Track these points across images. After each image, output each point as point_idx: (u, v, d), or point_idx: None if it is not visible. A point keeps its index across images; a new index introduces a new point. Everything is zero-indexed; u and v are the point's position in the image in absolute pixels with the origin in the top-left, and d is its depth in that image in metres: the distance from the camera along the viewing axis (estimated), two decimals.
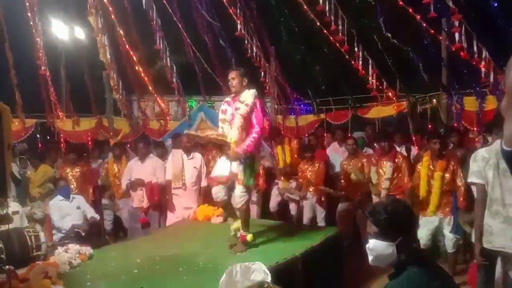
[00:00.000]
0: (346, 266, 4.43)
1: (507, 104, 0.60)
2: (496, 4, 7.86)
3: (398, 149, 6.07)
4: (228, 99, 4.03)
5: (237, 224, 4.05)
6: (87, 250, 3.86)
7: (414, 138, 7.15)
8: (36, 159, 6.94)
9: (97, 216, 5.54)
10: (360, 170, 5.64)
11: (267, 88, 9.73)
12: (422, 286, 1.70)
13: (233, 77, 3.89)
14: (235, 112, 3.83)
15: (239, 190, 3.86)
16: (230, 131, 3.85)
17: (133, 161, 6.25)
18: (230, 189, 4.04)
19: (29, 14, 8.34)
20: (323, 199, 6.03)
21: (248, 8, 9.50)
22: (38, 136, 9.37)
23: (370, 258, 1.86)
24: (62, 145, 8.84)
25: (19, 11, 8.54)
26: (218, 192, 4.03)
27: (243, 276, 2.86)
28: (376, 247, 1.82)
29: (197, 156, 5.74)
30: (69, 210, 5.28)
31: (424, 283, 1.69)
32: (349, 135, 7.13)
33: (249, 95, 3.85)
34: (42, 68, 8.62)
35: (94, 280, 3.33)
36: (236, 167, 3.84)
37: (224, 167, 3.93)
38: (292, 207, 6.32)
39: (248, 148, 3.74)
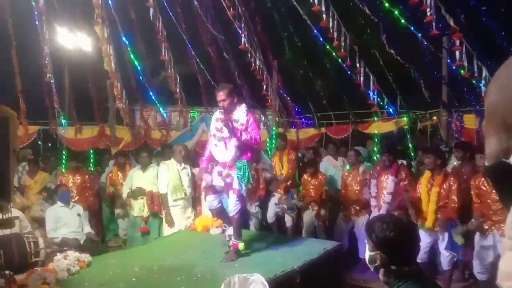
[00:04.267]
0: (345, 280, 4.43)
1: (486, 123, 0.65)
2: (496, 25, 7.98)
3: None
4: (219, 115, 4.00)
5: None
6: (86, 257, 3.87)
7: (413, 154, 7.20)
8: (34, 166, 6.93)
9: (93, 232, 5.48)
10: (360, 183, 5.72)
11: (269, 101, 9.81)
12: None
13: (224, 98, 3.87)
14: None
15: (233, 199, 3.94)
16: (226, 152, 3.90)
17: (134, 169, 6.28)
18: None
19: (36, 23, 8.45)
20: (323, 212, 6.06)
21: (253, 22, 9.64)
22: (40, 143, 9.40)
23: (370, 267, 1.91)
24: (63, 152, 8.87)
25: (26, 19, 8.67)
26: (212, 200, 4.13)
27: (241, 287, 2.87)
28: (368, 260, 1.85)
29: (187, 166, 5.72)
30: (68, 217, 5.26)
31: None
32: (350, 148, 7.20)
33: (242, 113, 3.91)
34: (47, 75, 8.70)
35: (92, 287, 3.33)
36: (230, 178, 3.92)
37: (219, 177, 4.01)
38: (288, 220, 6.33)
39: (242, 137, 3.78)
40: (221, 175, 3.96)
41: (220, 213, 4.27)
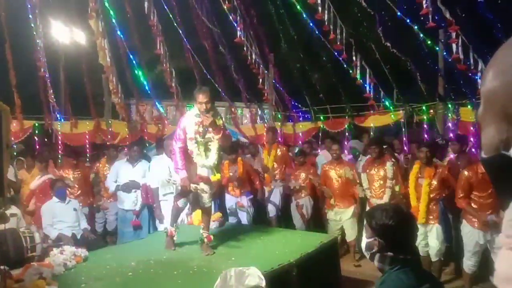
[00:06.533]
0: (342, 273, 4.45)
1: (483, 111, 0.61)
2: (492, 17, 7.96)
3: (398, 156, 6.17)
4: (198, 119, 3.89)
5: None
6: (82, 252, 3.87)
7: (406, 147, 7.21)
8: (30, 160, 6.87)
9: (88, 227, 5.45)
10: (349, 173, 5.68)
11: (266, 94, 9.78)
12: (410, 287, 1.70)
13: (207, 101, 3.80)
14: (214, 136, 3.89)
15: (210, 190, 4.01)
16: (210, 155, 3.91)
17: (119, 162, 6.18)
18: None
19: (30, 16, 8.37)
20: (311, 203, 6.17)
21: (248, 15, 9.58)
22: (35, 138, 9.34)
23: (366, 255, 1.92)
24: (59, 147, 8.82)
25: (20, 12, 8.58)
26: (184, 203, 4.19)
27: (238, 280, 2.87)
28: (365, 247, 1.87)
29: None
30: (64, 212, 5.20)
31: (412, 285, 1.70)
32: (337, 141, 7.17)
33: (218, 114, 4.02)
34: (42, 70, 8.63)
35: (88, 282, 3.32)
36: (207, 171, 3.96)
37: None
38: (271, 209, 6.35)
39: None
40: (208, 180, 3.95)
41: (182, 209, 4.33)
